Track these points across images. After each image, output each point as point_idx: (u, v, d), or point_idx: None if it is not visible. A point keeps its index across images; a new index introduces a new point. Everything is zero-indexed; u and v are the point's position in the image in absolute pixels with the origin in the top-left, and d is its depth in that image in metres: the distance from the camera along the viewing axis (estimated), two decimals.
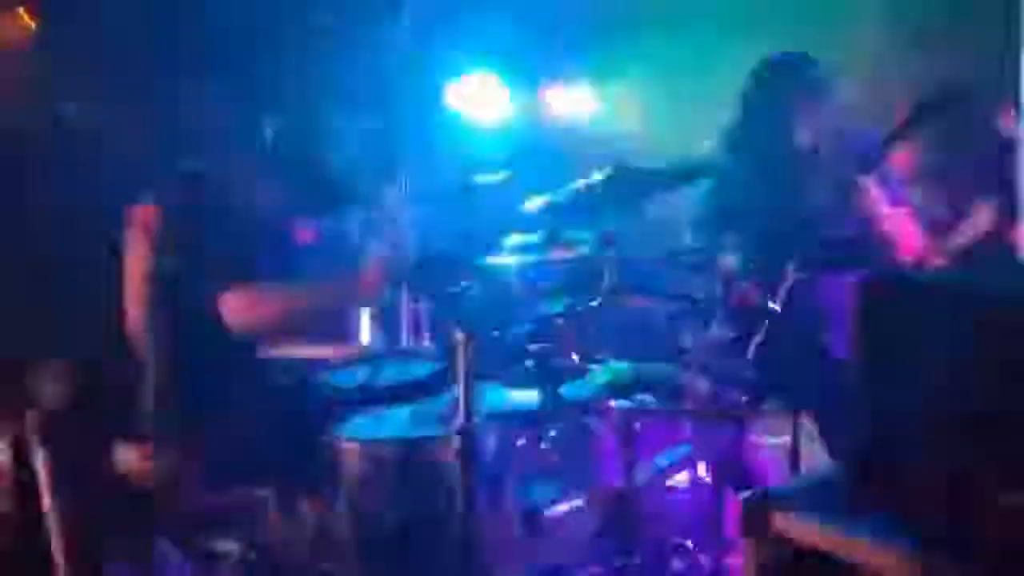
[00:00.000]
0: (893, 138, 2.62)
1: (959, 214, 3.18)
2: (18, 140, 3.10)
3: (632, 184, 2.68)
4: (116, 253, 2.36)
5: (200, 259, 2.27)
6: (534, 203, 2.65)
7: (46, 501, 1.65)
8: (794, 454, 2.39)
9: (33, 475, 1.66)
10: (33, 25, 3.24)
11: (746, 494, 1.52)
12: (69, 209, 3.04)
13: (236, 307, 2.23)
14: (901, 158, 2.94)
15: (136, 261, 2.38)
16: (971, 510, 1.27)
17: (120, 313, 2.36)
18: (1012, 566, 1.24)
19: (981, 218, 3.27)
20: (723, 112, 3.53)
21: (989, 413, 1.26)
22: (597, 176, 2.52)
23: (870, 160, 2.72)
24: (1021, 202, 1.95)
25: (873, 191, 2.73)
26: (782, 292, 2.53)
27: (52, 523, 1.66)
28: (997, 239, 2.97)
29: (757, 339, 2.56)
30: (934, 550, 1.28)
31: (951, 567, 1.28)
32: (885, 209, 2.74)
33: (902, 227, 2.78)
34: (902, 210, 2.80)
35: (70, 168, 3.13)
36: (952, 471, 1.29)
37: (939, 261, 2.82)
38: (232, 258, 2.29)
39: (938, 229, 3.01)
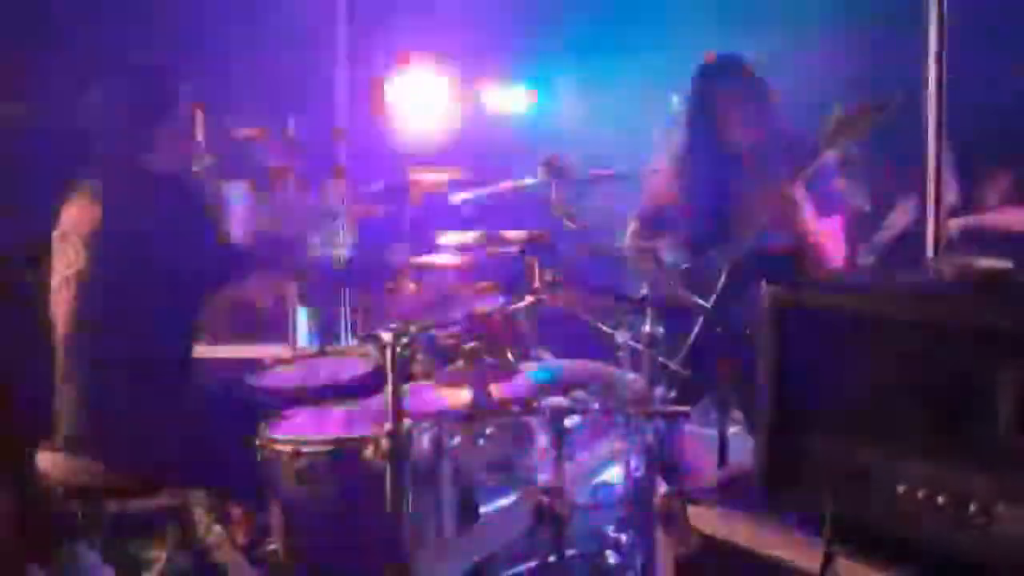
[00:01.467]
0: (817, 148, 2.64)
1: (880, 210, 3.26)
2: None
3: (567, 184, 2.71)
4: (35, 258, 2.32)
5: (128, 261, 2.24)
6: (459, 198, 2.66)
7: None
8: (722, 449, 2.44)
9: None
10: None
11: (664, 490, 1.55)
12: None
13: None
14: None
15: (59, 264, 2.34)
16: (870, 505, 1.32)
17: (41, 317, 2.32)
18: (911, 556, 1.28)
19: (901, 216, 3.36)
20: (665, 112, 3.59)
21: (885, 413, 1.31)
22: (529, 179, 2.54)
23: (800, 162, 2.73)
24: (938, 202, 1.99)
25: (801, 202, 2.70)
26: (715, 294, 2.57)
27: None
28: (916, 237, 3.04)
29: (690, 339, 2.60)
30: (837, 544, 1.32)
31: (853, 559, 1.32)
32: (812, 223, 2.74)
33: (829, 242, 2.79)
34: (830, 222, 2.81)
35: None
36: (851, 468, 1.33)
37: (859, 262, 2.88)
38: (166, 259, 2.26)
39: (861, 223, 3.05)
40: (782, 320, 1.40)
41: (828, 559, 1.33)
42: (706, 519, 1.50)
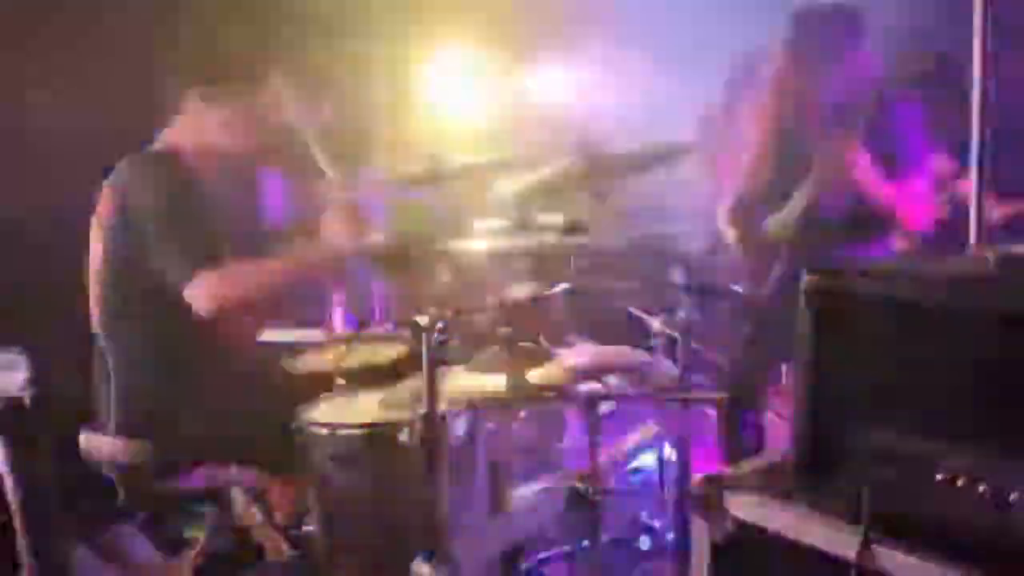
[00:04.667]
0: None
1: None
2: None
3: (602, 169, 2.69)
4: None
5: (164, 240, 2.24)
6: (504, 189, 2.65)
7: (7, 490, 1.66)
8: (759, 436, 2.43)
9: None
10: None
11: (699, 475, 1.55)
12: (33, 199, 3.03)
13: (206, 290, 2.22)
14: None
15: (95, 247, 2.37)
16: (908, 492, 1.31)
17: (82, 300, 2.36)
18: (949, 544, 1.27)
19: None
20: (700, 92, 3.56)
21: (925, 400, 1.30)
22: (565, 162, 2.53)
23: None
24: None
25: (860, 161, 2.44)
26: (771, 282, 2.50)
27: (14, 512, 1.67)
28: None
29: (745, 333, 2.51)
30: (874, 531, 1.32)
31: (890, 547, 1.31)
32: (877, 185, 2.46)
33: (907, 206, 2.53)
34: (907, 183, 2.53)
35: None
36: (889, 455, 1.32)
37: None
38: (199, 238, 2.27)
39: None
40: (820, 306, 1.39)
41: (865, 546, 1.32)
42: (742, 505, 1.50)
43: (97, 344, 2.36)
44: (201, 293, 2.20)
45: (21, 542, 1.68)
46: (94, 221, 2.38)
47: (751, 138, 2.90)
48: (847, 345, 1.38)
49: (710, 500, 1.53)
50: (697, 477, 1.53)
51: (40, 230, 3.00)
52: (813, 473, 1.42)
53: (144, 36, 3.11)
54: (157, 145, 2.42)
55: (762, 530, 1.47)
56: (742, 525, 1.50)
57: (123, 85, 3.03)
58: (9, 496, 1.66)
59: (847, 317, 1.37)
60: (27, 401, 1.64)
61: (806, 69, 2.66)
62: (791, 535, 1.43)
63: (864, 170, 2.49)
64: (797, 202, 2.67)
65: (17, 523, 1.67)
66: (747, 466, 1.59)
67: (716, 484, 1.53)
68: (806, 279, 1.39)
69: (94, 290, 2.36)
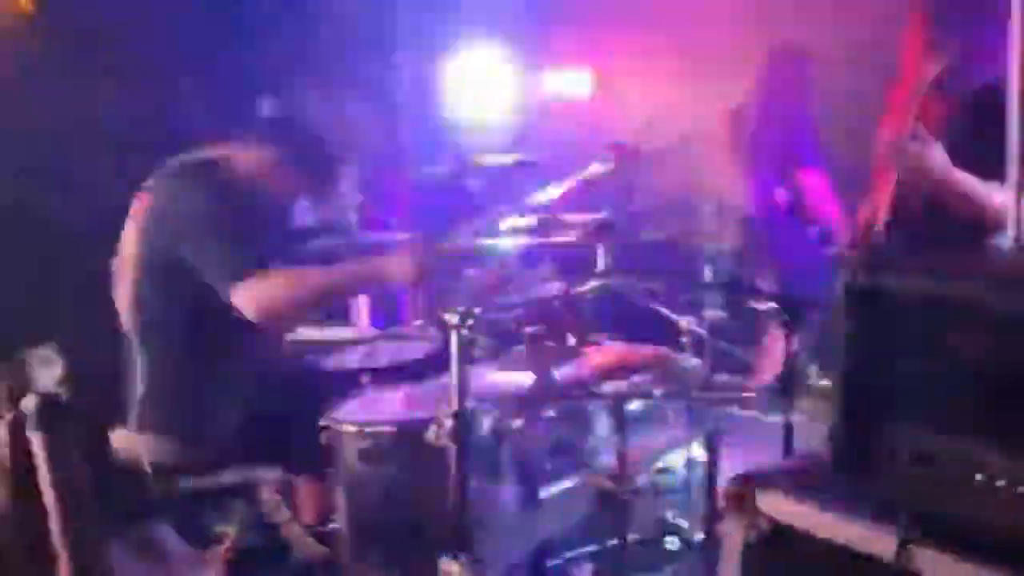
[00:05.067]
0: None
1: None
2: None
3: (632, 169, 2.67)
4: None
5: (208, 245, 2.26)
6: (542, 197, 2.62)
7: (44, 486, 1.67)
8: (787, 437, 2.40)
9: (31, 460, 1.69)
10: (30, 9, 3.24)
11: (733, 474, 1.54)
12: (73, 197, 3.07)
13: (256, 297, 2.22)
14: None
15: (129, 248, 2.39)
16: (947, 493, 1.29)
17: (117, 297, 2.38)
18: (990, 546, 1.26)
19: None
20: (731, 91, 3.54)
21: (965, 400, 1.28)
22: (598, 166, 2.52)
23: None
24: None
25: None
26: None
27: (50, 508, 1.69)
28: None
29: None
30: (913, 532, 1.30)
31: (929, 549, 1.30)
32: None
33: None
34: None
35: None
36: (929, 456, 1.31)
37: None
38: (244, 244, 2.28)
39: None
40: (860, 303, 1.37)
41: (903, 547, 1.30)
42: (775, 504, 1.48)
43: (128, 342, 2.38)
44: (251, 300, 2.21)
45: (57, 537, 1.69)
46: (129, 222, 2.40)
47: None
48: (886, 342, 1.36)
49: (743, 499, 1.51)
50: (731, 475, 1.52)
51: (78, 229, 3.04)
52: (849, 472, 1.41)
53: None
54: (201, 153, 2.44)
55: (796, 530, 1.45)
56: (775, 525, 1.48)
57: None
58: (45, 491, 1.67)
59: (886, 314, 1.35)
60: (63, 397, 1.65)
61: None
62: (826, 535, 1.41)
63: None
64: None
65: (53, 518, 1.68)
66: (780, 465, 1.57)
67: (749, 483, 1.52)
68: (844, 272, 1.37)
69: (126, 289, 2.37)
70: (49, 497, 1.69)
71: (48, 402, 1.67)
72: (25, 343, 1.75)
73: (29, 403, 1.68)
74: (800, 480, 1.51)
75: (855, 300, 1.39)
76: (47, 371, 1.69)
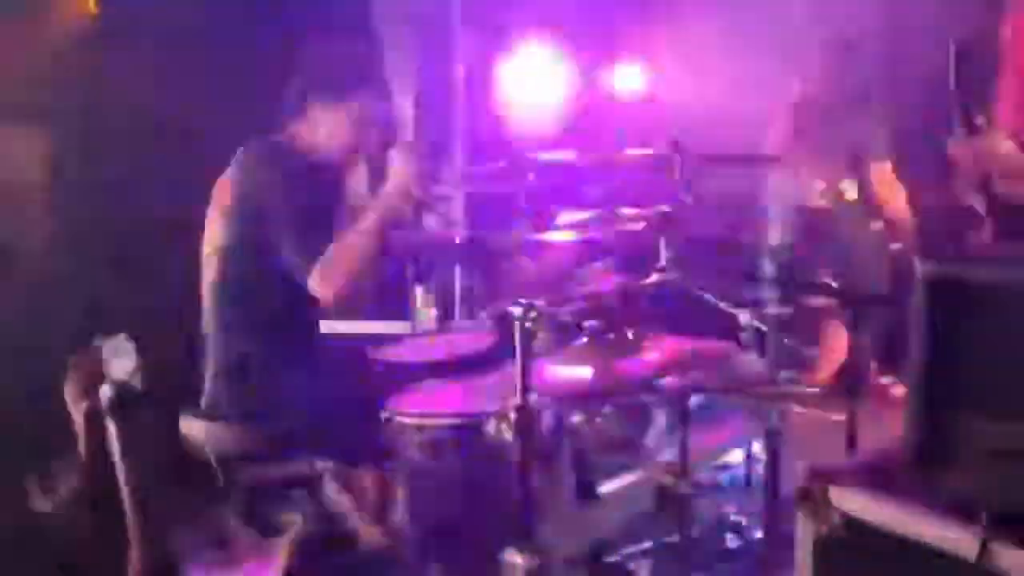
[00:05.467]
0: None
1: None
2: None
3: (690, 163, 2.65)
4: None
5: (286, 227, 2.29)
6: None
7: (119, 474, 1.71)
8: (851, 433, 2.36)
9: (106, 449, 1.73)
10: (95, 10, 3.31)
11: (805, 469, 1.51)
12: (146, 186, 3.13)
13: (322, 278, 2.24)
14: None
15: (211, 236, 2.44)
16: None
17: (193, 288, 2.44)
18: None
19: None
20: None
21: None
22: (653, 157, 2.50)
23: None
24: None
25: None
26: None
27: (124, 495, 1.72)
28: None
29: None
30: (992, 528, 1.27)
31: (1013, 546, 1.26)
32: None
33: None
34: None
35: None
36: (1010, 449, 1.27)
37: None
38: (317, 222, 2.31)
39: None
40: (938, 294, 1.34)
41: (985, 546, 1.27)
42: (849, 500, 1.46)
43: (204, 331, 2.43)
44: (320, 282, 2.24)
45: (130, 523, 1.73)
46: (211, 211, 2.45)
47: None
48: (964, 334, 1.33)
49: (815, 495, 1.49)
50: (803, 470, 1.50)
51: (152, 219, 3.11)
52: (927, 467, 1.38)
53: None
54: (274, 136, 2.48)
55: (871, 526, 1.43)
56: (849, 520, 1.46)
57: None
58: (120, 479, 1.71)
59: (965, 306, 1.32)
60: (137, 386, 1.69)
61: None
62: (902, 531, 1.39)
63: None
64: None
65: (127, 505, 1.72)
66: (853, 460, 1.55)
67: (822, 478, 1.50)
68: (922, 267, 1.34)
69: (209, 277, 2.42)
70: (123, 484, 1.73)
71: (122, 391, 1.71)
72: (99, 333, 1.79)
73: (104, 392, 1.72)
74: (874, 475, 1.48)
75: (934, 291, 1.36)
76: (121, 361, 1.73)
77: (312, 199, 2.34)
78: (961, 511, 1.33)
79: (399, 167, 2.36)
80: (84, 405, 1.74)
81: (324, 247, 2.24)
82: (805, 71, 3.71)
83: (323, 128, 2.47)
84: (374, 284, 2.55)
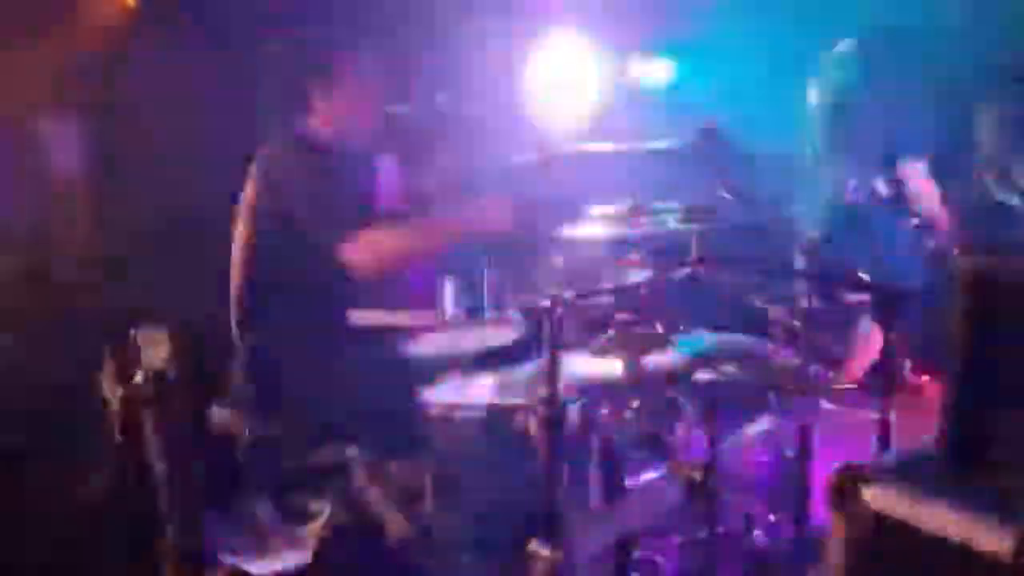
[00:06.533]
0: None
1: None
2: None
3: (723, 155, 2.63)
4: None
5: (320, 206, 2.33)
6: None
7: (152, 459, 1.74)
8: (884, 431, 2.34)
9: (141, 435, 1.75)
10: (132, 4, 3.34)
11: (836, 467, 1.50)
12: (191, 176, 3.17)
13: (366, 246, 2.30)
14: None
15: (241, 231, 2.47)
16: None
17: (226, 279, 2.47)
18: None
19: None
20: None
21: None
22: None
23: None
24: None
25: None
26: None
27: (158, 481, 1.75)
28: None
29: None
30: None
31: None
32: None
33: None
34: None
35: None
36: None
37: None
38: (352, 203, 2.35)
39: None
40: (977, 291, 1.32)
41: (1021, 545, 1.25)
42: (882, 498, 1.44)
43: (235, 321, 2.46)
44: (364, 250, 2.30)
45: (163, 509, 1.75)
46: (241, 206, 2.48)
47: None
48: (1003, 331, 1.31)
49: (847, 492, 1.47)
50: (835, 467, 1.48)
51: (184, 208, 3.14)
52: (963, 466, 1.36)
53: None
54: (297, 130, 2.51)
55: (903, 524, 1.41)
56: (881, 518, 1.44)
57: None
58: (154, 465, 1.73)
59: (1004, 302, 1.30)
60: (170, 374, 1.71)
61: None
62: (936, 530, 1.37)
63: None
64: None
65: (160, 491, 1.74)
66: (885, 457, 1.53)
67: (853, 475, 1.48)
68: (960, 261, 1.32)
69: (239, 271, 2.45)
70: (157, 470, 1.75)
71: (156, 379, 1.73)
72: (134, 322, 1.81)
73: (138, 380, 1.75)
74: (907, 472, 1.46)
75: (972, 287, 1.34)
76: (155, 349, 1.75)
77: (338, 185, 2.40)
78: (997, 510, 1.31)
79: (501, 203, 2.37)
80: (120, 392, 1.76)
81: (359, 224, 2.30)
82: (838, 66, 3.67)
83: (329, 115, 2.51)
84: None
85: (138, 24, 3.30)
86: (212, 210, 2.61)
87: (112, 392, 1.79)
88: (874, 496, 1.45)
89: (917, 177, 3.56)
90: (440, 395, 2.40)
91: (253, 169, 2.49)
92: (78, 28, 3.24)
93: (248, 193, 2.48)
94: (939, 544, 1.36)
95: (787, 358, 2.57)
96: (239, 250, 2.47)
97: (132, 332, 1.79)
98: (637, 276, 2.53)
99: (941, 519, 1.36)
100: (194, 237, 2.84)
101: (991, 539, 1.30)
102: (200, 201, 3.01)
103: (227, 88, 3.26)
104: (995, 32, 3.57)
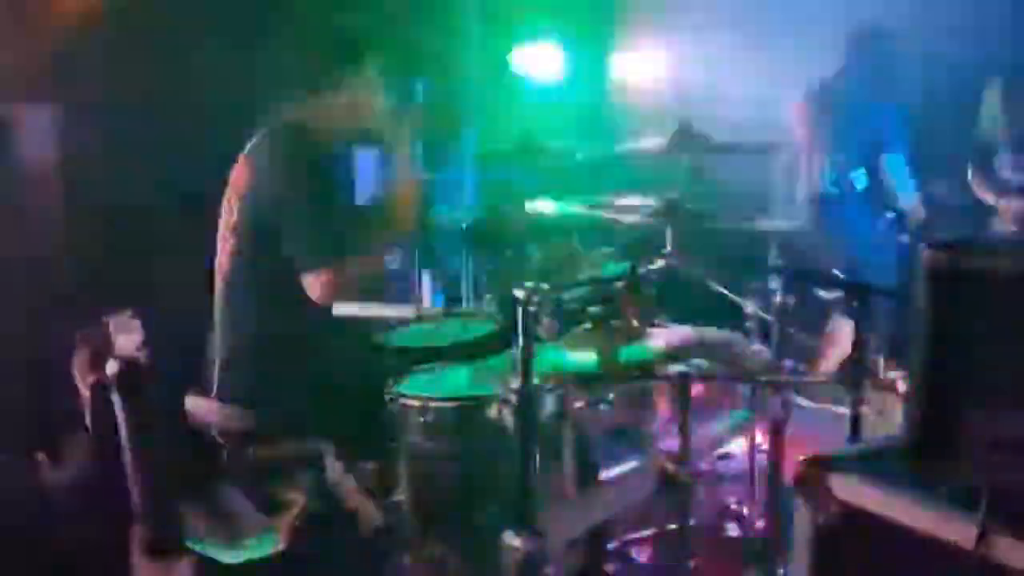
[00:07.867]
0: None
1: None
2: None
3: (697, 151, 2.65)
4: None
5: (296, 218, 2.32)
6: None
7: (125, 448, 1.73)
8: (855, 425, 2.37)
9: (113, 423, 1.74)
10: None
11: (804, 457, 1.52)
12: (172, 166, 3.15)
13: (327, 283, 2.32)
14: None
15: (228, 218, 2.46)
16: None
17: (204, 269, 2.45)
18: None
19: None
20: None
21: None
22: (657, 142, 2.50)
23: None
24: None
25: None
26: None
27: (129, 470, 1.74)
28: None
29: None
30: (991, 518, 1.27)
31: (1011, 536, 1.27)
32: None
33: None
34: None
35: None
36: (1010, 439, 1.28)
37: None
38: (328, 221, 2.34)
39: None
40: (939, 283, 1.34)
41: (983, 535, 1.28)
42: (849, 489, 1.46)
43: (215, 309, 2.45)
44: (322, 285, 2.32)
45: (134, 498, 1.75)
46: (228, 191, 2.47)
47: None
48: (968, 323, 1.33)
49: (813, 481, 1.49)
50: (802, 458, 1.50)
51: (161, 195, 3.12)
52: (927, 456, 1.38)
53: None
54: (286, 117, 2.50)
55: (869, 514, 1.43)
56: (847, 509, 1.46)
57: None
58: (126, 454, 1.72)
59: (969, 294, 1.32)
60: (143, 362, 1.70)
61: None
62: (901, 520, 1.39)
63: None
64: None
65: (132, 480, 1.73)
66: (852, 448, 1.55)
67: (820, 465, 1.50)
68: (926, 254, 1.34)
69: (224, 256, 2.44)
70: (129, 459, 1.74)
71: (129, 367, 1.72)
72: (106, 308, 1.80)
73: (111, 368, 1.73)
74: (873, 463, 1.48)
75: (937, 282, 1.36)
76: (128, 336, 1.74)
77: (324, 197, 2.37)
78: (960, 500, 1.33)
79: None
80: (91, 379, 1.75)
81: (329, 250, 2.30)
82: (825, 59, 3.70)
83: (326, 114, 2.50)
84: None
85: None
86: (190, 194, 2.59)
87: (83, 378, 1.77)
88: (840, 485, 1.47)
89: (896, 171, 3.60)
90: (415, 385, 2.40)
91: (247, 156, 2.47)
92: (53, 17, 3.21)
93: (239, 180, 2.46)
94: (904, 533, 1.39)
95: (761, 351, 2.59)
96: (223, 236, 2.45)
97: (104, 319, 1.78)
98: (611, 269, 2.54)
99: (906, 509, 1.38)
100: (171, 222, 2.81)
101: (955, 529, 1.32)
102: (180, 188, 3.00)
103: (216, 77, 3.24)
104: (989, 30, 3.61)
